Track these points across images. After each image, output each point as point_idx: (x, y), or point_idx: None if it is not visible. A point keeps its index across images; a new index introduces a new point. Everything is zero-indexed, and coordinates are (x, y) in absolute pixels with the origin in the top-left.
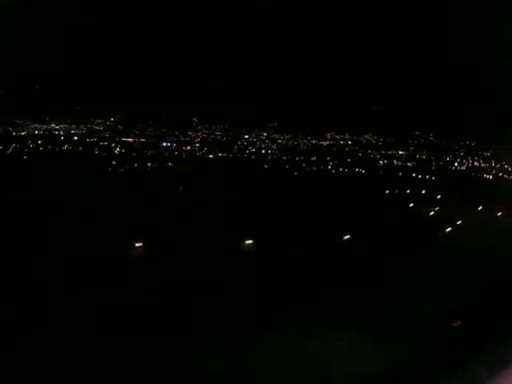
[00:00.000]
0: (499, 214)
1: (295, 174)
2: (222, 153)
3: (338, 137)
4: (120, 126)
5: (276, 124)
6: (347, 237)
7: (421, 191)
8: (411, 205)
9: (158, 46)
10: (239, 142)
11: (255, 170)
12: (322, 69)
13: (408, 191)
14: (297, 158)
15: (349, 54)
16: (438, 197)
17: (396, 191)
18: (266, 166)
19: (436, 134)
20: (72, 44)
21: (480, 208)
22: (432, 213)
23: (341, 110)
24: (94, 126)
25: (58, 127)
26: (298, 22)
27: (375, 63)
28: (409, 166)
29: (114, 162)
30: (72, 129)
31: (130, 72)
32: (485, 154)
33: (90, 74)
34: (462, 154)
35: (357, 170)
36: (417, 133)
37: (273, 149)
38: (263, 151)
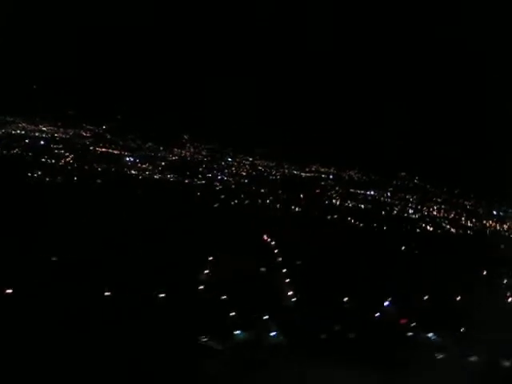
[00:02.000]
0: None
1: (214, 205)
2: (176, 175)
3: (322, 169)
4: (108, 135)
5: (263, 150)
6: None
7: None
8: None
9: (160, 57)
10: (215, 165)
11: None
12: (324, 97)
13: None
14: (245, 190)
15: (349, 81)
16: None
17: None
18: (198, 194)
19: (423, 177)
20: (78, 49)
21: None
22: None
23: (334, 143)
24: (81, 132)
25: (44, 129)
26: (294, 44)
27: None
28: (359, 209)
29: (39, 172)
30: (57, 132)
31: (135, 82)
32: (465, 203)
33: (95, 82)
34: (439, 200)
35: (292, 207)
36: (402, 173)
37: (237, 175)
38: (219, 177)
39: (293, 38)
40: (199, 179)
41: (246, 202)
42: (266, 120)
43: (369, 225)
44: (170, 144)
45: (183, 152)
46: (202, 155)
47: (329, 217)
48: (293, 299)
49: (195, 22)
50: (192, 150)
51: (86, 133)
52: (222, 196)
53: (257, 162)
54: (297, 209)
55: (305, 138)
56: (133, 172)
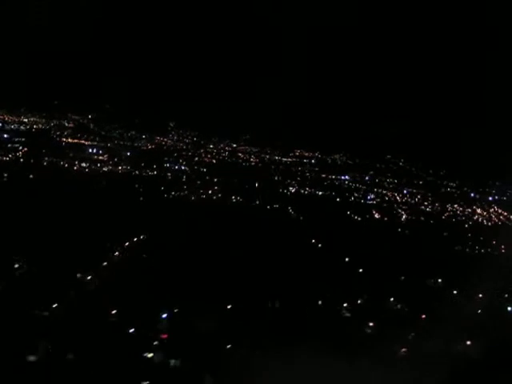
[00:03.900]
0: None
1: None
2: (128, 167)
3: (306, 154)
4: (92, 125)
5: (248, 136)
6: None
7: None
8: None
9: (151, 48)
10: (190, 153)
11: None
12: (317, 86)
13: None
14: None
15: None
16: None
17: None
18: (135, 186)
19: (409, 160)
20: (68, 41)
21: None
22: None
23: (324, 128)
24: (64, 123)
25: (25, 120)
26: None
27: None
28: (315, 196)
29: None
30: (39, 123)
31: (124, 71)
32: (450, 184)
33: (83, 72)
34: (420, 182)
35: (233, 197)
36: (388, 156)
37: (202, 164)
38: (176, 167)
39: (274, 27)
40: (152, 170)
41: (184, 193)
42: (252, 106)
43: (298, 215)
44: (153, 132)
45: (164, 140)
46: (184, 143)
47: (268, 206)
48: None
49: (179, 13)
50: (176, 137)
51: (68, 123)
52: (162, 188)
53: (240, 148)
54: (237, 199)
55: (292, 124)
56: (82, 165)
